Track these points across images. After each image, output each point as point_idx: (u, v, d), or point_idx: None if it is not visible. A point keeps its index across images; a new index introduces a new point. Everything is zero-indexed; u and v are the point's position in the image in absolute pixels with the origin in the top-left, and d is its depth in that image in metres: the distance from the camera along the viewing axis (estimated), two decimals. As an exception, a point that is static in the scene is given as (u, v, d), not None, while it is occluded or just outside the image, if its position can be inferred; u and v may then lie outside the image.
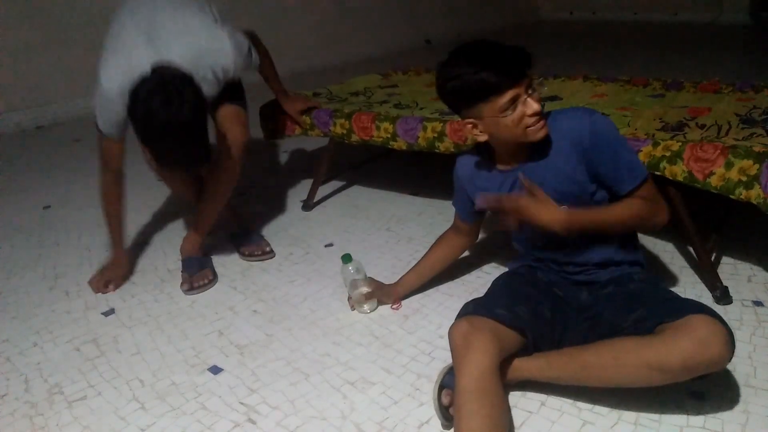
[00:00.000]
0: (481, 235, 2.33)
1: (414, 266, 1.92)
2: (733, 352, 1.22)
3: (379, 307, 1.90)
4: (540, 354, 1.43)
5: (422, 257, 1.91)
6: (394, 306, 1.90)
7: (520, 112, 1.35)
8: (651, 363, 1.22)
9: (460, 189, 1.71)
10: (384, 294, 1.90)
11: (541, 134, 1.39)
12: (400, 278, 1.92)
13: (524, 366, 1.43)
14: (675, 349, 1.20)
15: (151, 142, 1.72)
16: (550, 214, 1.38)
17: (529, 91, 1.35)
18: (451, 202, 2.55)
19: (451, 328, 1.36)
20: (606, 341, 1.33)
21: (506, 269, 1.74)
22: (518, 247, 1.69)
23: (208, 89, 1.86)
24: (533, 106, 1.35)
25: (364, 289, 1.85)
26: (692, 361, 1.19)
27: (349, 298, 1.89)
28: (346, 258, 1.91)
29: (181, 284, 2.08)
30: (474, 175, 1.61)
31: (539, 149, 1.45)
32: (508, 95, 1.33)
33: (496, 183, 1.54)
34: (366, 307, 1.87)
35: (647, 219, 1.43)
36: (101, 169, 2.04)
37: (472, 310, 1.40)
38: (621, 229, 1.47)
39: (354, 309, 1.89)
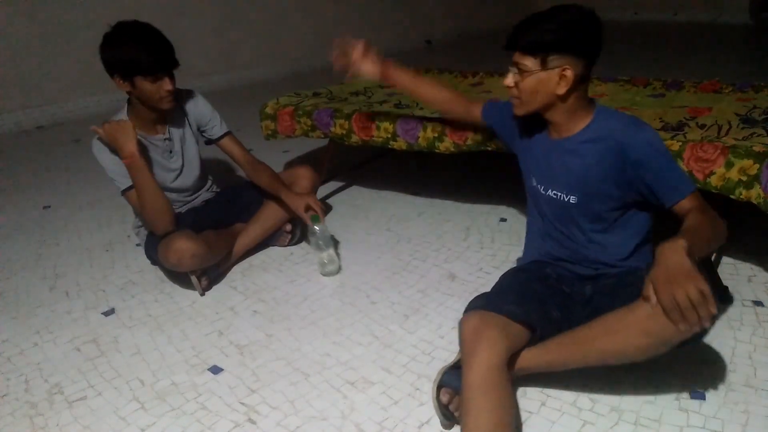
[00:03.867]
0: (480, 236, 2.33)
1: (419, 77, 2.01)
2: (715, 315, 1.16)
3: (379, 308, 1.90)
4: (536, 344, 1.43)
5: (430, 82, 2.00)
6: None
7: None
8: (639, 325, 1.21)
9: (505, 113, 1.69)
10: (378, 67, 1.97)
11: (513, 111, 1.51)
12: (402, 71, 2.00)
13: (522, 355, 1.41)
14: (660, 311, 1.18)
15: (135, 38, 1.84)
16: (679, 259, 1.17)
17: (516, 69, 1.43)
18: (450, 201, 2.56)
19: (461, 321, 1.37)
20: (598, 317, 1.34)
21: (503, 271, 1.73)
22: (533, 239, 1.69)
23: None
24: (505, 79, 1.47)
25: (326, 255, 2.05)
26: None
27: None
28: (315, 218, 2.03)
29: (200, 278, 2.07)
30: (526, 125, 1.62)
31: (582, 133, 1.46)
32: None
33: (538, 144, 1.57)
34: (328, 270, 2.06)
35: (719, 230, 1.33)
36: (143, 216, 2.04)
37: (482, 304, 1.40)
38: (711, 243, 1.32)
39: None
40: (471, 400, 1.24)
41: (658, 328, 1.19)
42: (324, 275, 2.09)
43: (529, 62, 1.40)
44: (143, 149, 1.98)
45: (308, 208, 2.12)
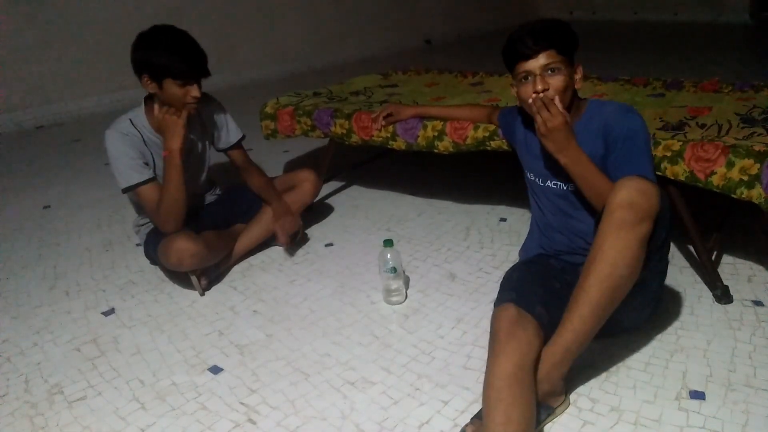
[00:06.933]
0: (480, 236, 2.33)
1: (442, 107, 2.30)
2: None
3: (379, 308, 1.90)
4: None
5: (453, 109, 2.25)
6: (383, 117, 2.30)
7: (527, 86, 1.49)
8: (610, 222, 1.25)
9: (508, 117, 1.88)
10: (397, 110, 2.30)
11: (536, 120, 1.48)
12: (423, 108, 2.31)
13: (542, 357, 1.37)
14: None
15: (174, 42, 1.88)
16: (563, 139, 1.42)
17: (548, 72, 1.46)
18: (450, 201, 2.56)
19: (497, 310, 1.38)
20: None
21: (503, 271, 1.73)
22: (534, 233, 1.72)
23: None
24: (537, 85, 1.46)
25: (394, 283, 1.90)
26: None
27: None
28: (387, 242, 1.89)
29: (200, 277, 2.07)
30: (523, 125, 1.71)
31: (577, 124, 1.52)
32: (522, 67, 1.48)
33: (535, 141, 1.59)
34: (394, 300, 1.92)
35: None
36: (155, 213, 1.98)
37: (515, 298, 1.40)
38: (598, 199, 1.41)
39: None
40: (502, 390, 1.23)
41: (620, 198, 1.25)
42: (388, 304, 1.92)
43: (561, 61, 1.47)
44: (158, 149, 2.00)
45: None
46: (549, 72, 1.46)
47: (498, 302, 1.45)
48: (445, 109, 2.27)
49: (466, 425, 1.35)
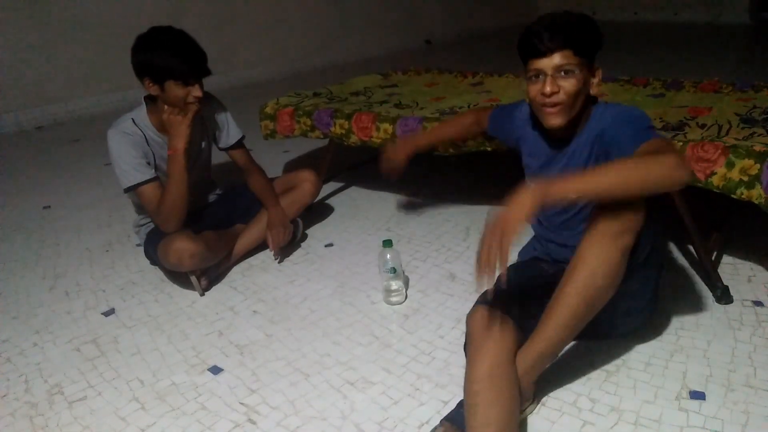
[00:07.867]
0: (480, 236, 2.33)
1: (431, 131, 2.15)
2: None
3: (379, 308, 1.90)
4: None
5: (439, 125, 2.12)
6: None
7: (536, 86, 1.36)
8: (597, 231, 1.23)
9: (510, 118, 1.68)
10: (392, 153, 2.14)
11: (551, 121, 1.37)
12: (414, 138, 2.15)
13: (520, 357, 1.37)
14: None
15: (172, 44, 1.88)
16: (522, 201, 1.20)
17: (561, 73, 1.33)
18: (450, 201, 2.55)
19: (470, 313, 1.37)
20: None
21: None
22: (535, 231, 1.71)
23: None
24: (546, 87, 1.33)
25: (394, 283, 1.90)
26: None
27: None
28: (387, 243, 1.90)
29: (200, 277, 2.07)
30: (529, 130, 1.58)
31: (580, 135, 1.41)
32: (533, 65, 1.35)
33: (536, 156, 1.54)
34: (394, 300, 1.92)
35: (660, 166, 1.16)
36: (156, 212, 1.97)
37: (491, 300, 1.40)
38: (633, 185, 1.18)
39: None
40: (479, 392, 1.23)
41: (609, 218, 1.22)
42: (388, 304, 1.92)
43: (577, 63, 1.33)
44: (160, 148, 2.00)
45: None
46: (562, 74, 1.33)
47: (475, 303, 1.45)
48: (434, 131, 2.14)
49: (436, 428, 1.32)
